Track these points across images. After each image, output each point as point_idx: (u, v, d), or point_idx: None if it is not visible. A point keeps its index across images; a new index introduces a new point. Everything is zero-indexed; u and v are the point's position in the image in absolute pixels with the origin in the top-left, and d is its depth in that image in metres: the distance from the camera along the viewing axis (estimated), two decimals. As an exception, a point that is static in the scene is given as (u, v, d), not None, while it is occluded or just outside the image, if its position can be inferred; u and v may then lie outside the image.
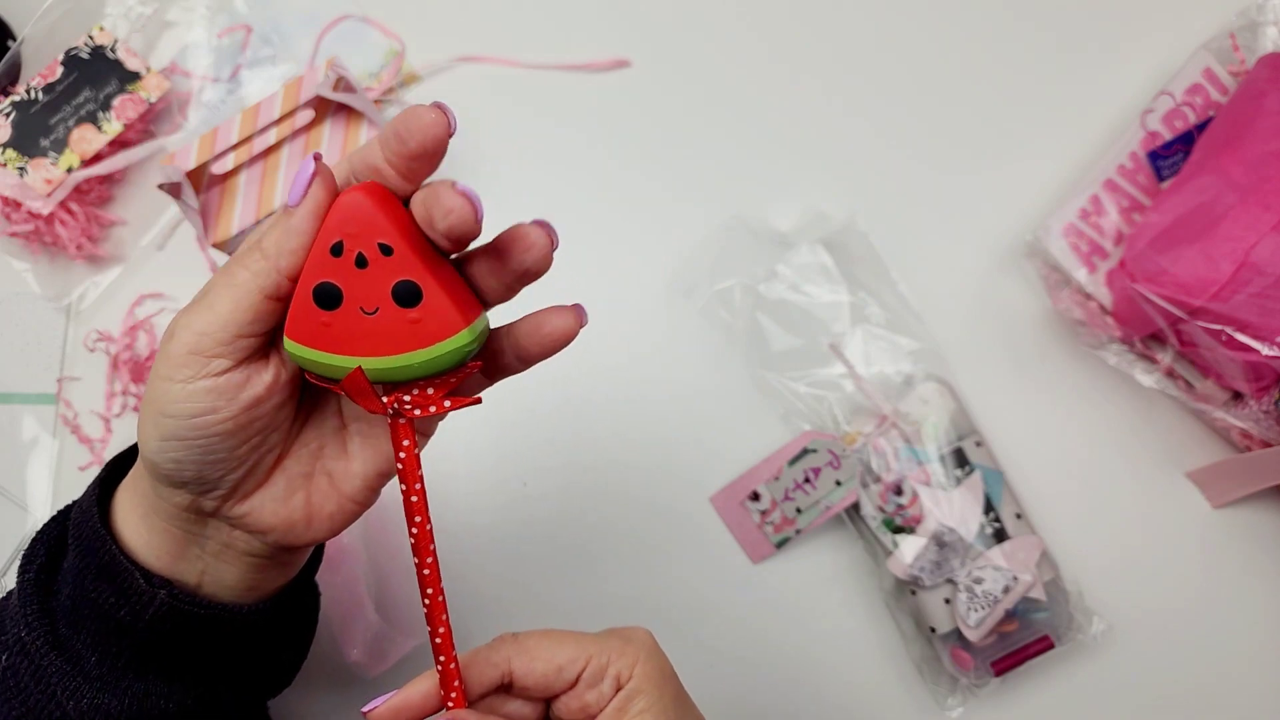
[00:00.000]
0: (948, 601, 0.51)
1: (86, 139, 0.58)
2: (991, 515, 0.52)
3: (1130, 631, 0.55)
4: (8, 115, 0.59)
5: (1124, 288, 0.53)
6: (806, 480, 0.53)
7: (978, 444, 0.54)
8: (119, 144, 0.60)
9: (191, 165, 0.51)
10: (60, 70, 0.60)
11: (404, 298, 0.29)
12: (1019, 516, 0.53)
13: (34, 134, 0.59)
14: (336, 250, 0.29)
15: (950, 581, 0.51)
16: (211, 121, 0.60)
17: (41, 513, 0.57)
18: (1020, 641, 0.52)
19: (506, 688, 0.35)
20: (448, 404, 0.31)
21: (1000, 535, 0.52)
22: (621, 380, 0.58)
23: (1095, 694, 0.54)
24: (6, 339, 0.60)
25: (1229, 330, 0.50)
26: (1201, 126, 0.58)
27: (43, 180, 0.58)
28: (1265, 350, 0.50)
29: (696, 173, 0.62)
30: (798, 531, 0.54)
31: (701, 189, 0.62)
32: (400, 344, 0.29)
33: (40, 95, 0.59)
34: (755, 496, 0.53)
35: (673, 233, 0.61)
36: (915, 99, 0.64)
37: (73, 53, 0.60)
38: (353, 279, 0.29)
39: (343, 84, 0.52)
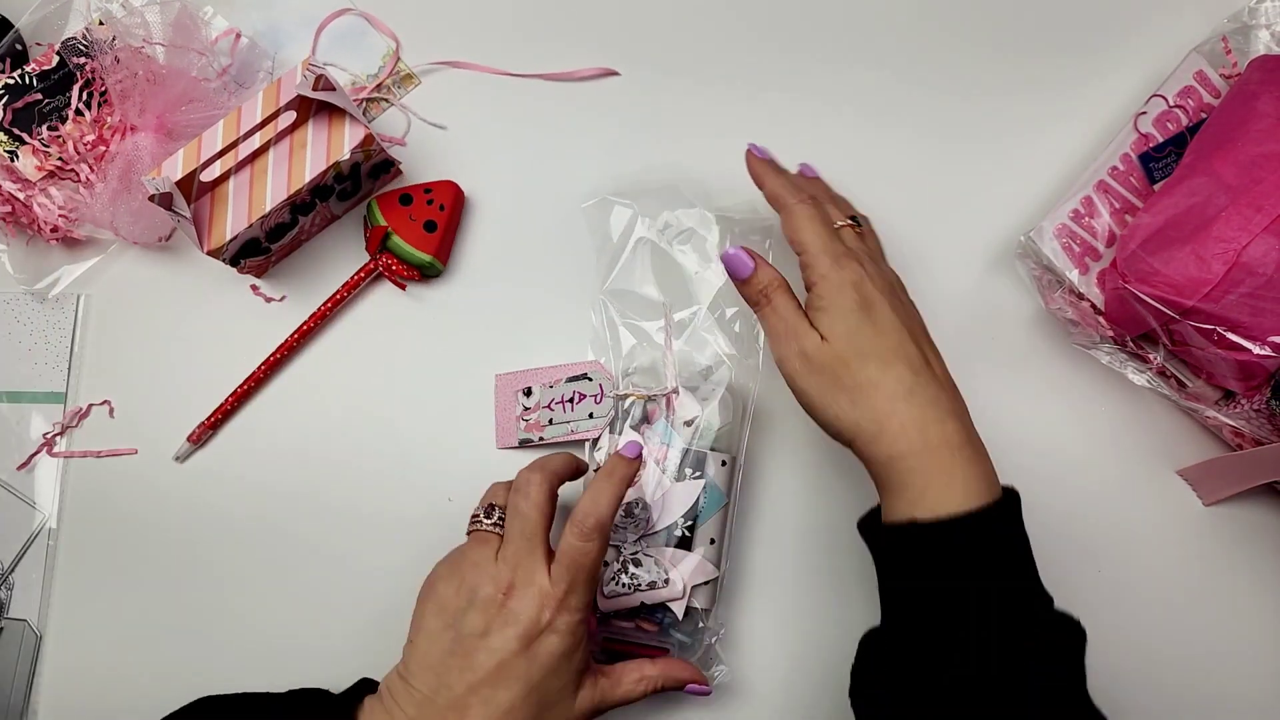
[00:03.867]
0: (606, 564, 0.51)
1: (80, 128, 0.59)
2: (689, 523, 0.52)
3: (1127, 630, 0.56)
4: (0, 98, 0.60)
5: (1116, 288, 0.54)
6: (570, 400, 0.55)
7: (723, 464, 0.53)
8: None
9: (179, 175, 0.52)
10: (56, 59, 0.60)
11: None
12: (713, 542, 0.53)
13: (26, 119, 0.59)
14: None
15: (615, 547, 0.52)
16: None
17: (49, 511, 0.58)
18: (641, 641, 0.53)
19: None
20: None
21: (685, 544, 0.52)
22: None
23: None
24: (15, 338, 0.61)
25: (1220, 330, 0.51)
26: (1193, 129, 0.59)
27: (33, 166, 0.59)
28: (1256, 350, 0.50)
29: (692, 176, 0.63)
30: (540, 439, 0.56)
31: (698, 192, 0.63)
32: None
33: (34, 82, 0.60)
34: (528, 392, 0.57)
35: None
36: (908, 102, 0.64)
37: (70, 42, 0.61)
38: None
39: (322, 83, 0.53)
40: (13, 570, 0.57)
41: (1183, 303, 0.51)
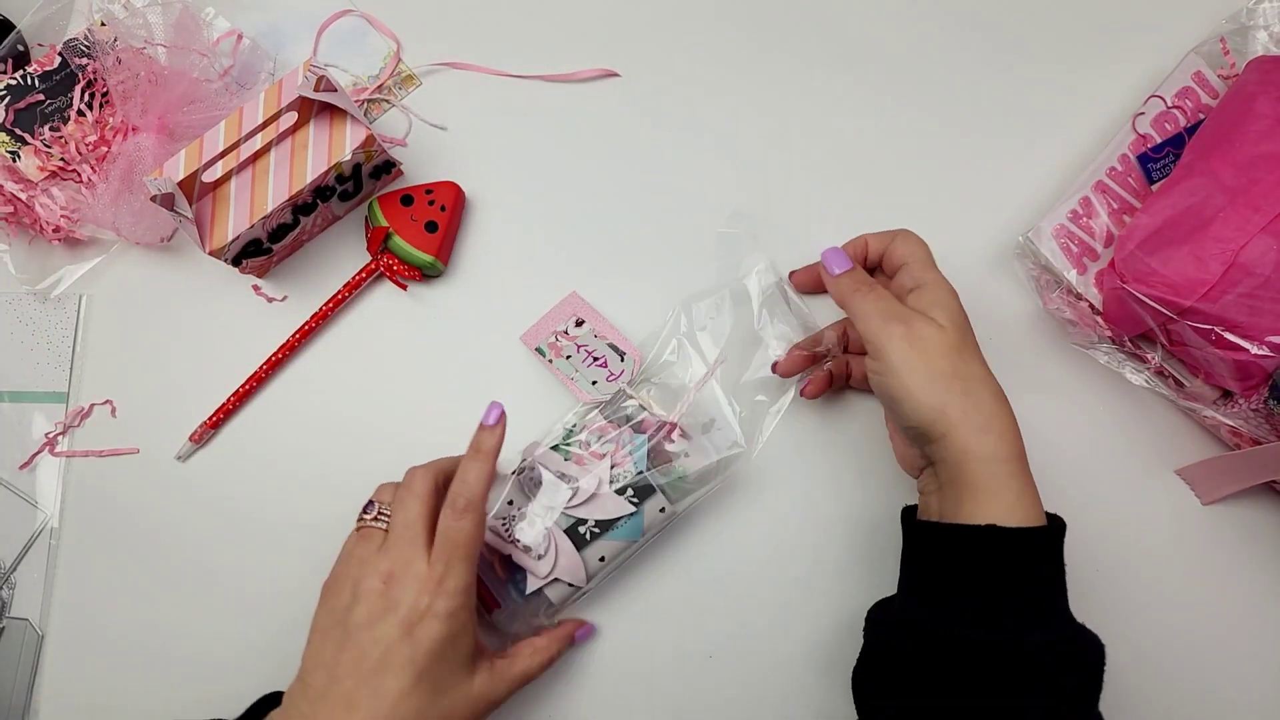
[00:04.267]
0: (510, 504, 0.52)
1: (82, 129, 0.59)
2: (596, 529, 0.51)
3: (1126, 630, 0.56)
4: (2, 99, 0.60)
5: (1114, 288, 0.54)
6: (596, 359, 0.56)
7: (662, 510, 0.52)
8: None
9: (181, 175, 0.52)
10: (58, 60, 0.61)
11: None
12: (601, 560, 0.52)
13: (28, 120, 0.60)
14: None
15: (528, 497, 0.52)
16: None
17: (51, 510, 0.58)
18: (483, 578, 0.52)
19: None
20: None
21: (579, 540, 0.51)
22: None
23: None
24: (17, 338, 0.61)
25: (1218, 330, 0.51)
26: (1191, 129, 0.59)
27: (35, 167, 0.59)
28: (1254, 349, 0.50)
29: (689, 180, 0.63)
30: (550, 361, 0.57)
31: (696, 194, 0.63)
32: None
33: (36, 83, 0.60)
34: (580, 322, 0.57)
35: (670, 236, 0.62)
36: (907, 103, 0.64)
37: (72, 43, 0.61)
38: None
39: (323, 84, 0.53)
40: (14, 569, 0.57)
41: (1180, 303, 0.51)
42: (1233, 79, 0.59)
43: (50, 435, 0.59)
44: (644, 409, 0.55)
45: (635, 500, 0.52)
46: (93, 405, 0.60)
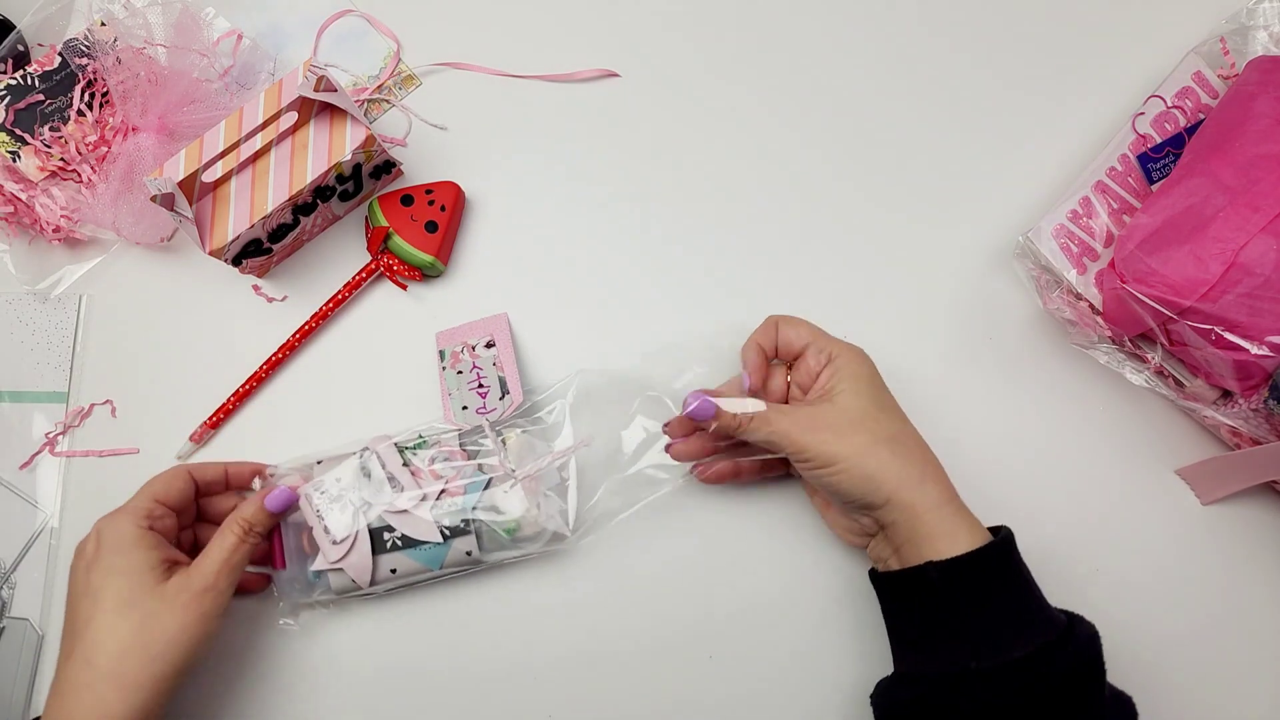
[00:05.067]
0: (339, 480, 0.52)
1: (82, 129, 0.59)
2: (399, 539, 0.51)
3: (1126, 629, 0.56)
4: (2, 99, 0.60)
5: (1114, 288, 0.54)
6: (480, 388, 0.56)
7: (468, 554, 0.52)
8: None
9: (181, 175, 0.52)
10: (58, 60, 0.61)
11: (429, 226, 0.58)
12: (393, 572, 0.52)
13: (28, 120, 0.60)
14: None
15: (367, 475, 0.52)
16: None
17: (51, 510, 0.58)
18: (269, 543, 0.53)
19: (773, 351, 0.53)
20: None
21: (378, 543, 0.51)
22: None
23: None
24: (18, 338, 0.61)
25: (1218, 330, 0.51)
26: (1191, 129, 0.59)
27: (35, 167, 0.59)
28: (1254, 349, 0.50)
29: (688, 181, 0.63)
30: (447, 384, 0.56)
31: (694, 196, 0.63)
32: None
33: (36, 83, 0.60)
34: (474, 349, 0.57)
35: (669, 237, 0.62)
36: (907, 104, 0.64)
37: (72, 43, 0.61)
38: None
39: (324, 84, 0.53)
40: (15, 569, 0.57)
41: (1180, 303, 0.51)
42: (1233, 79, 0.59)
43: (50, 435, 0.59)
44: (496, 451, 0.53)
45: (447, 534, 0.51)
46: (93, 405, 0.60)
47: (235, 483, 0.54)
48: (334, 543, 0.51)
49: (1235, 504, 0.57)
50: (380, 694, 0.55)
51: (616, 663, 0.55)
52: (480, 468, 0.53)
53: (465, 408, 0.55)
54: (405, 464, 0.53)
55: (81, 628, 0.47)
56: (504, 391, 0.56)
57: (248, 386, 0.59)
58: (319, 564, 0.51)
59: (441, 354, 0.57)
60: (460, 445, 0.54)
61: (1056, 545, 0.57)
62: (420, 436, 0.54)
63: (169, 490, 0.51)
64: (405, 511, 0.51)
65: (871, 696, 0.50)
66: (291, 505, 0.51)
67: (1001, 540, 0.47)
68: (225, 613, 0.49)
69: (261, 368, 0.59)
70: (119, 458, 0.59)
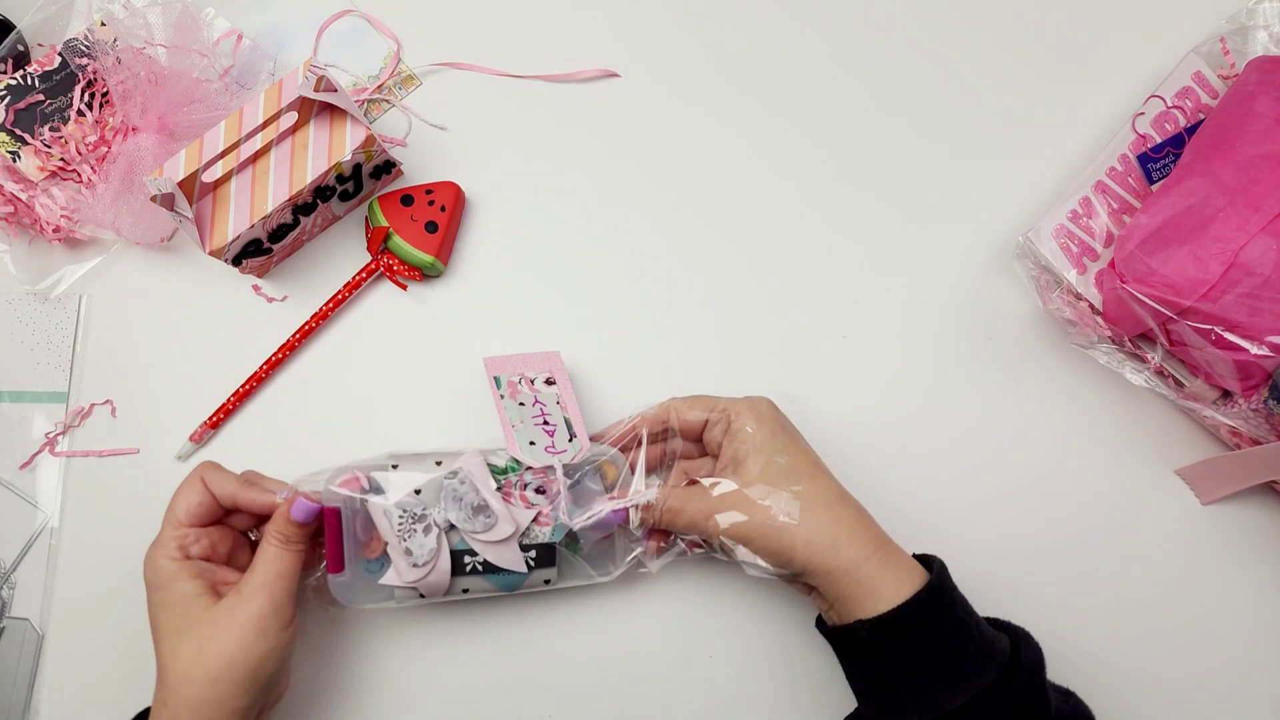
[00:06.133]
0: (418, 492, 0.50)
1: (82, 128, 0.59)
2: (479, 562, 0.50)
3: (1125, 629, 0.56)
4: (2, 99, 0.60)
5: (1114, 288, 0.54)
6: (547, 425, 0.53)
7: (546, 581, 0.52)
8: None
9: (181, 175, 0.52)
10: (58, 60, 0.61)
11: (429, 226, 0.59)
12: (465, 592, 0.51)
13: (28, 120, 0.60)
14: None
15: (457, 501, 0.50)
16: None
17: (51, 510, 0.58)
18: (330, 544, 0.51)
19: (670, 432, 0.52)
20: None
21: (458, 563, 0.50)
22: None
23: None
24: (18, 338, 0.61)
25: (1218, 330, 0.51)
26: (1191, 129, 0.59)
27: (35, 167, 0.59)
28: (1254, 349, 0.50)
29: (688, 180, 0.63)
30: (508, 415, 0.53)
31: (694, 195, 0.63)
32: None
33: (36, 83, 0.60)
34: (533, 383, 0.55)
35: (668, 236, 0.62)
36: (907, 104, 0.65)
37: (72, 43, 0.61)
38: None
39: (324, 84, 0.53)
40: (15, 569, 0.57)
41: (1180, 303, 0.51)
42: (1233, 79, 0.59)
43: (50, 435, 0.59)
44: (596, 478, 0.52)
45: (533, 562, 0.50)
46: (93, 405, 0.60)
47: (246, 508, 0.51)
48: (414, 565, 0.49)
49: (1235, 504, 0.57)
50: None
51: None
52: (578, 497, 0.51)
53: (533, 443, 0.52)
54: (498, 487, 0.51)
55: (157, 651, 0.47)
56: (571, 434, 0.53)
57: (248, 386, 0.59)
58: (390, 578, 0.50)
59: (497, 380, 0.54)
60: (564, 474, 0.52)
61: (1056, 545, 0.57)
62: (514, 461, 0.52)
63: (188, 511, 0.49)
64: (496, 543, 0.50)
65: None
66: (316, 516, 0.49)
67: (928, 589, 0.45)
68: (291, 624, 0.48)
69: (261, 368, 0.59)
70: (119, 458, 0.59)
